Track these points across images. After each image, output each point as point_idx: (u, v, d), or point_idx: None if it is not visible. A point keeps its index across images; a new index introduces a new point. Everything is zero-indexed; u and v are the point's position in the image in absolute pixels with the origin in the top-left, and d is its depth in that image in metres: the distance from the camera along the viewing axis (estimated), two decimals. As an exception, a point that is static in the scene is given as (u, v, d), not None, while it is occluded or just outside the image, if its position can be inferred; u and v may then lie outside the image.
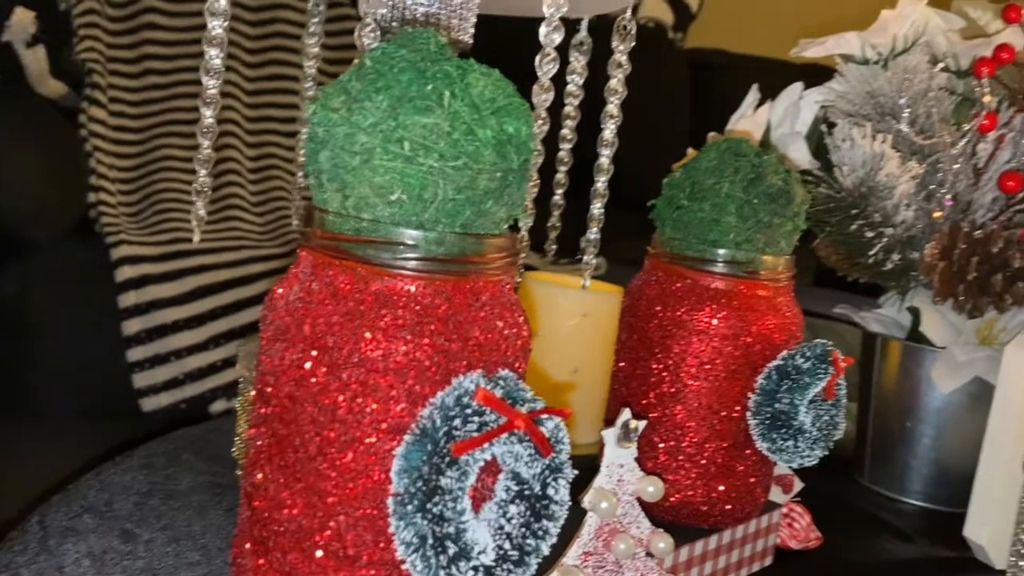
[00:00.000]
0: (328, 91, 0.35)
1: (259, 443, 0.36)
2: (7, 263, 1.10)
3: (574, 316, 0.75)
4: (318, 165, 0.35)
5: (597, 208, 0.60)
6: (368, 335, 0.33)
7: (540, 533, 0.35)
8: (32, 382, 1.10)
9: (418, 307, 0.34)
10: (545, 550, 0.35)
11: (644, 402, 0.55)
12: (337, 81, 0.35)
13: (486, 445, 0.33)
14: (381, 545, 0.34)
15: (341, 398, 0.34)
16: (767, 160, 0.54)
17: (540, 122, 0.52)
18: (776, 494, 0.62)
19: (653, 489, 0.47)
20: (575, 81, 0.62)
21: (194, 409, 1.15)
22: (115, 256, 1.15)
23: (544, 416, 0.34)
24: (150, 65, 1.43)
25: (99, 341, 1.13)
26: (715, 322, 0.53)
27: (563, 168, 0.64)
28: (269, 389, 0.36)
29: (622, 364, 0.57)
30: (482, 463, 0.33)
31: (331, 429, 0.34)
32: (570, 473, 0.36)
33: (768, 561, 0.62)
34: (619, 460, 0.46)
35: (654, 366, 0.55)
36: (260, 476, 0.36)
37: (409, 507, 0.32)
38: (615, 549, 0.46)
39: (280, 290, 0.36)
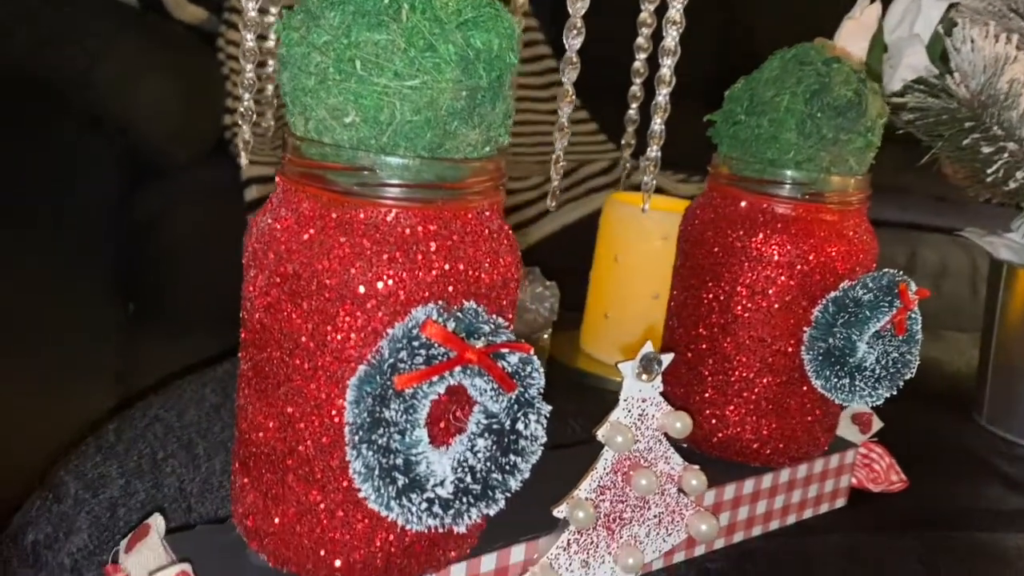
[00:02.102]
0: (294, 11, 0.34)
1: (242, 367, 0.37)
2: (148, 183, 1.18)
3: (654, 239, 0.71)
4: (283, 87, 0.34)
5: (658, 123, 0.56)
6: (326, 263, 0.33)
7: (508, 468, 0.34)
8: (171, 297, 1.18)
9: (378, 235, 0.33)
10: (513, 485, 0.34)
11: (694, 333, 0.52)
12: (304, -1, 0.34)
13: (436, 378, 0.32)
14: (348, 472, 0.34)
15: (303, 326, 0.34)
16: (837, 68, 0.48)
17: (575, 32, 0.48)
18: (853, 433, 0.58)
19: (681, 425, 0.45)
20: (648, -13, 0.57)
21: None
22: (244, 176, 1.20)
23: (506, 350, 0.33)
24: (287, -13, 1.46)
25: (233, 258, 1.19)
26: (767, 249, 0.49)
27: (638, 80, 0.60)
28: (245, 315, 0.36)
29: (675, 293, 0.54)
30: (434, 396, 0.32)
31: (296, 357, 0.34)
32: (543, 408, 0.34)
33: (840, 503, 0.58)
34: (640, 394, 0.44)
35: (704, 296, 0.51)
36: (242, 399, 0.37)
37: (356, 437, 0.32)
38: (636, 485, 0.44)
39: (258, 216, 0.36)
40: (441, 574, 0.40)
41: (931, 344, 1.01)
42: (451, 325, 0.32)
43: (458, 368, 0.32)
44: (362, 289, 0.33)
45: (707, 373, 0.51)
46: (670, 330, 0.54)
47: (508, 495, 0.34)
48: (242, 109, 0.53)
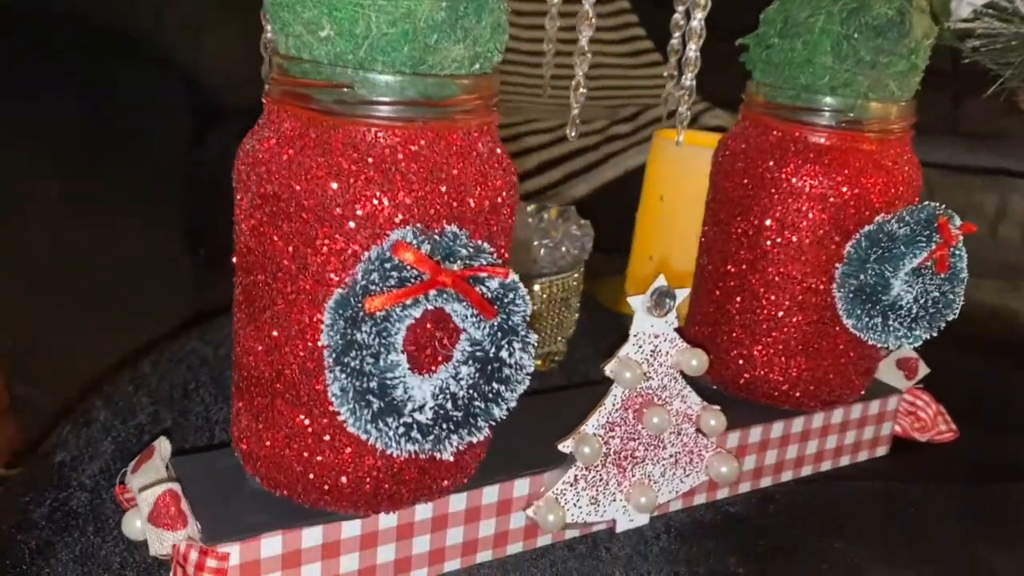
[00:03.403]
0: (275, -77, 0.33)
1: (235, 291, 0.37)
2: (209, 127, 1.19)
3: (700, 177, 0.68)
4: (265, 3, 0.33)
5: (693, 50, 0.53)
6: (304, 184, 0.32)
7: (491, 396, 0.33)
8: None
9: (356, 155, 0.32)
10: (497, 414, 0.33)
11: (722, 270, 0.50)
12: (286, -88, 0.33)
13: (409, 301, 0.31)
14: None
15: (285, 249, 0.33)
16: (878, -15, 0.45)
17: (596, -48, 0.46)
18: (897, 379, 0.55)
19: (696, 362, 0.43)
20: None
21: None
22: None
23: (485, 275, 0.32)
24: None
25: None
26: (798, 180, 0.46)
27: (680, 8, 0.57)
28: (235, 238, 0.36)
29: (705, 228, 0.52)
30: (409, 320, 0.31)
31: (279, 280, 0.34)
32: (528, 336, 0.33)
33: (881, 451, 0.55)
34: (652, 330, 0.42)
35: (733, 230, 0.49)
36: (235, 323, 0.37)
37: (331, 360, 0.31)
38: (647, 422, 0.43)
39: (245, 138, 0.36)
40: (440, 504, 0.39)
41: (1011, 295, 0.96)
42: (426, 248, 0.31)
43: (433, 292, 0.31)
44: (339, 211, 0.32)
45: (735, 311, 0.49)
46: (700, 267, 0.52)
47: (491, 423, 0.34)
48: (264, 40, 0.52)
